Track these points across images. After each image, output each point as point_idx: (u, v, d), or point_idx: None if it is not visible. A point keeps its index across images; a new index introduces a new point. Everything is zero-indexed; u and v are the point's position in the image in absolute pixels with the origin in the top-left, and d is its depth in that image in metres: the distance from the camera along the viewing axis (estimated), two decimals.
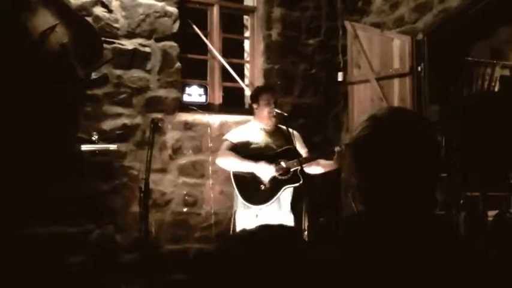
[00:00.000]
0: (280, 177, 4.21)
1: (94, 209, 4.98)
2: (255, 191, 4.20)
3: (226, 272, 1.24)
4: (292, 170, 4.21)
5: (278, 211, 4.24)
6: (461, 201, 6.98)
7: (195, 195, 5.53)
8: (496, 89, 7.31)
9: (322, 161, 4.43)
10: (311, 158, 4.36)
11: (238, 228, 4.32)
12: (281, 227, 1.40)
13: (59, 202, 4.78)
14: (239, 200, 4.26)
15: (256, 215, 4.19)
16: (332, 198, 6.16)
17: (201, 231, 5.54)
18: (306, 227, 3.93)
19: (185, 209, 5.47)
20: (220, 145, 5.56)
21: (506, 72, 7.51)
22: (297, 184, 4.24)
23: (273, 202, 4.19)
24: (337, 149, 4.32)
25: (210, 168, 5.53)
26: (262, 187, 4.19)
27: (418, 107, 5.39)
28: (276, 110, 4.28)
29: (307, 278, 1.24)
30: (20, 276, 4.44)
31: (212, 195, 5.55)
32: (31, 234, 4.65)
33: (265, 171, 4.18)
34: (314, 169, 4.43)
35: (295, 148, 4.25)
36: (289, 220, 4.28)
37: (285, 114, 4.28)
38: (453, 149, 7.08)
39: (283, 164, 4.23)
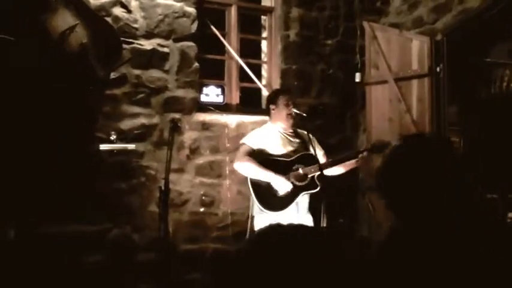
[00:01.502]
0: (297, 183, 4.19)
1: (112, 209, 5.00)
2: (272, 197, 4.18)
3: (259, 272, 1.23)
4: (309, 176, 4.19)
5: (296, 214, 4.22)
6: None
7: (212, 195, 5.53)
8: None
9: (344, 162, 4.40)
10: (328, 165, 4.31)
11: None
12: (304, 227, 1.41)
13: (77, 201, 4.81)
14: (256, 205, 4.24)
15: (275, 221, 4.18)
16: (348, 199, 6.14)
17: (218, 232, 5.54)
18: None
19: (202, 209, 5.48)
20: (237, 145, 5.58)
21: None
22: (314, 190, 4.21)
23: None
24: (360, 156, 4.28)
25: (227, 168, 5.53)
26: (279, 193, 4.17)
27: (436, 108, 5.35)
28: (295, 111, 4.26)
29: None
30: (37, 275, 4.47)
31: (229, 196, 5.55)
32: (49, 232, 4.68)
33: (282, 186, 4.16)
34: (335, 170, 4.40)
35: (312, 154, 4.22)
36: (307, 222, 4.27)
37: (304, 114, 4.27)
38: (471, 151, 7.05)
39: (300, 170, 4.21)
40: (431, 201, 1.42)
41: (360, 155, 4.29)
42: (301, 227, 1.33)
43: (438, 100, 5.37)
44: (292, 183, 4.21)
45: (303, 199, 4.26)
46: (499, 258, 1.34)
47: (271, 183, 4.15)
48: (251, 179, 4.25)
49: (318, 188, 4.19)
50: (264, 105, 6.12)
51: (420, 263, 1.33)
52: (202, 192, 5.47)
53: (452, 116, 6.06)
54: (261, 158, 4.24)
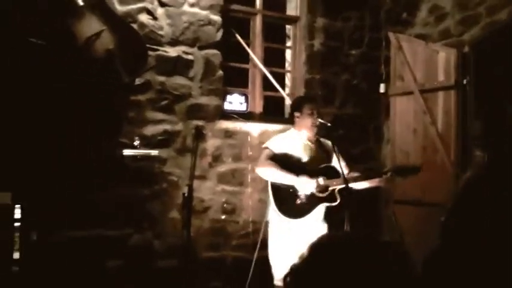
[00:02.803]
0: (318, 194, 4.16)
1: (133, 214, 5.02)
2: (291, 204, 4.15)
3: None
4: (330, 188, 4.16)
5: (312, 223, 4.19)
6: None
7: (234, 203, 5.53)
8: None
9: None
10: (353, 180, 4.24)
11: (271, 239, 4.27)
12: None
13: (100, 206, 4.84)
14: (273, 211, 4.22)
15: (290, 228, 4.15)
16: (370, 209, 6.09)
17: (239, 239, 5.53)
18: None
19: (223, 217, 5.47)
20: (259, 154, 5.57)
21: None
22: (334, 204, 4.18)
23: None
24: (385, 176, 4.22)
25: (249, 176, 5.53)
26: (298, 201, 4.14)
27: (462, 120, 5.29)
28: (320, 120, 4.24)
29: None
30: (59, 279, 4.49)
31: (250, 204, 5.54)
32: (72, 237, 4.71)
33: (306, 186, 4.12)
34: (359, 184, 4.33)
35: (335, 167, 4.19)
36: (322, 230, 4.23)
37: (329, 124, 4.23)
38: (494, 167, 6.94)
39: (322, 181, 4.17)
40: None
41: (384, 176, 4.22)
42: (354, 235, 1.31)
43: (464, 113, 5.30)
44: (312, 193, 4.18)
45: (320, 209, 4.23)
46: None
47: (295, 185, 4.12)
48: (272, 184, 4.22)
49: (338, 202, 4.16)
50: (287, 114, 6.13)
51: None
52: (223, 200, 5.47)
53: (477, 130, 5.97)
54: (282, 163, 4.20)
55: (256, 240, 5.50)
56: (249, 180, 5.54)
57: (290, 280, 1.25)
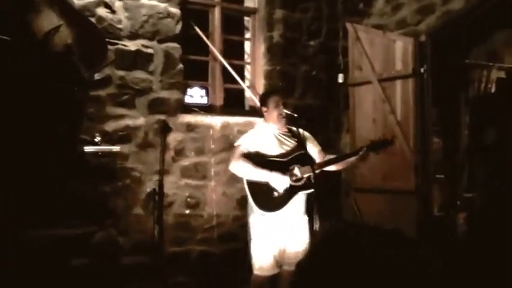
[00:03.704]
0: (293, 183, 4.18)
1: (96, 211, 4.94)
2: (268, 198, 4.15)
3: None
4: (305, 176, 4.18)
5: (293, 214, 4.21)
6: (459, 202, 7.07)
7: (197, 197, 5.50)
8: (492, 91, 7.39)
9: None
10: (325, 164, 4.31)
11: (253, 234, 4.28)
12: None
13: (62, 204, 4.73)
14: (253, 206, 4.22)
15: (272, 221, 4.17)
16: (332, 199, 6.16)
17: (203, 233, 5.51)
18: (317, 228, 3.91)
19: (187, 211, 5.44)
20: (222, 146, 5.57)
21: (502, 75, 7.59)
22: (310, 190, 4.20)
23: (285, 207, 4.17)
24: (361, 153, 4.28)
25: (212, 169, 5.51)
26: (276, 194, 4.15)
27: (420, 108, 5.40)
28: (286, 111, 4.25)
29: None
30: (22, 279, 4.39)
31: (214, 197, 5.53)
32: (33, 236, 4.60)
33: (280, 182, 4.14)
34: (330, 167, 4.39)
35: (308, 153, 4.21)
36: (304, 222, 4.26)
37: (295, 115, 4.25)
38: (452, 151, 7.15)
39: (296, 171, 4.19)
40: None
41: (361, 152, 4.29)
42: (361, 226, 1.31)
43: (422, 101, 5.40)
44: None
45: (300, 201, 4.24)
46: None
47: (269, 182, 4.12)
48: (247, 180, 4.22)
49: (313, 188, 4.18)
50: (247, 107, 6.13)
51: None
52: (187, 194, 5.44)
53: (435, 117, 6.12)
54: (256, 159, 4.21)
55: (220, 234, 5.52)
56: (212, 173, 5.53)
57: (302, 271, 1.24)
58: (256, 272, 4.25)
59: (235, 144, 4.43)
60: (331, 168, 4.43)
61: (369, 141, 4.38)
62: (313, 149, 4.38)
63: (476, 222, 6.57)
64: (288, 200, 4.14)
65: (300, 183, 4.17)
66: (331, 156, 4.42)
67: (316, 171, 4.11)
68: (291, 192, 4.15)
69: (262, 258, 4.19)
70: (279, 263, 4.24)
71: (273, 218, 4.15)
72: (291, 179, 4.13)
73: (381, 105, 5.67)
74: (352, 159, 4.35)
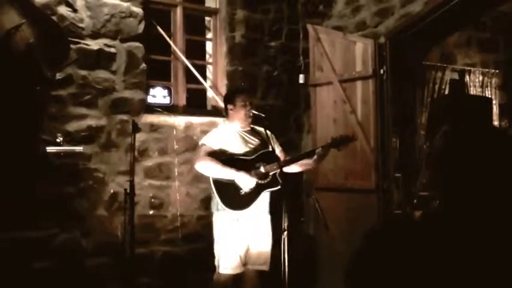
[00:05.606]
0: (259, 181, 4.21)
1: (59, 213, 4.86)
2: (234, 196, 4.17)
3: None
4: (271, 174, 4.22)
5: (257, 213, 4.25)
6: (415, 201, 7.24)
7: (161, 197, 5.48)
8: (446, 92, 7.61)
9: (301, 161, 4.46)
10: (290, 161, 4.37)
11: (216, 231, 4.29)
12: None
13: (23, 206, 4.64)
14: (218, 203, 4.23)
15: (237, 219, 4.19)
16: (294, 199, 6.22)
17: (167, 234, 5.49)
18: (286, 227, 3.95)
19: (151, 212, 5.41)
20: (185, 146, 5.56)
21: (455, 76, 7.84)
22: (276, 188, 4.25)
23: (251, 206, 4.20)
24: (318, 150, 4.36)
25: (176, 170, 5.50)
26: (242, 192, 4.17)
27: (380, 109, 5.51)
28: (253, 111, 4.29)
29: None
30: None
31: (178, 198, 5.51)
32: None
33: (246, 182, 4.16)
34: (293, 168, 4.45)
35: (273, 150, 4.26)
36: (267, 222, 4.30)
37: (263, 115, 4.29)
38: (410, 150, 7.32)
39: (262, 169, 4.23)
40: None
41: (318, 150, 4.37)
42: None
43: (382, 101, 5.52)
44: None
45: (264, 200, 4.28)
46: None
47: (235, 181, 4.14)
48: (213, 178, 4.23)
49: (280, 185, 4.23)
50: (209, 106, 6.13)
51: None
52: (151, 195, 5.41)
53: (394, 117, 6.24)
54: (222, 157, 4.22)
55: (184, 234, 5.51)
56: (176, 174, 5.51)
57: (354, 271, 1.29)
58: (221, 270, 4.26)
59: (200, 142, 4.45)
60: (294, 170, 4.49)
61: (330, 139, 4.46)
62: (276, 149, 4.43)
63: (431, 220, 6.74)
64: (256, 198, 4.18)
65: (266, 181, 4.21)
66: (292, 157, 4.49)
67: (283, 168, 4.16)
68: (258, 190, 4.18)
69: (228, 256, 4.21)
70: (243, 262, 4.27)
71: (237, 215, 4.18)
72: (257, 177, 4.17)
73: (342, 106, 5.76)
74: (314, 160, 4.41)
